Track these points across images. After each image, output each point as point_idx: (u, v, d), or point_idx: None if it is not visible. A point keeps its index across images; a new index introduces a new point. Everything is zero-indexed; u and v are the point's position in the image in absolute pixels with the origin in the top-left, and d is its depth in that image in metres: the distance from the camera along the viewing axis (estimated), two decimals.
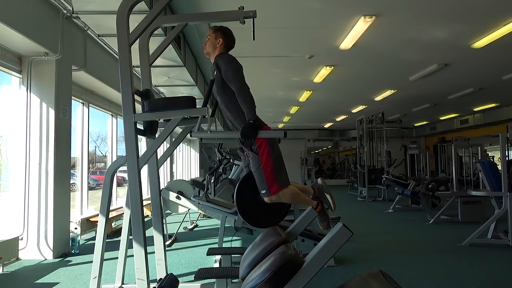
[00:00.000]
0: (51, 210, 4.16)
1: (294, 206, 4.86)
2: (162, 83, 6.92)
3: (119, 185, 8.31)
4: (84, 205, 5.77)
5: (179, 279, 2.52)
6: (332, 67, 7.04)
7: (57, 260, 4.12)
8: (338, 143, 19.35)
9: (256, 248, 1.84)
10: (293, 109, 11.98)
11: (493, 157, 12.06)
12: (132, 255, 2.21)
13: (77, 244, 4.46)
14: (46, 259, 4.11)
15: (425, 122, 16.16)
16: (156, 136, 2.53)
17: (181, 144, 12.60)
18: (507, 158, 4.62)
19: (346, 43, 5.64)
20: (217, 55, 2.57)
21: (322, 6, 4.55)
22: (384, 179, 9.13)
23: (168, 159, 10.49)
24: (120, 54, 2.21)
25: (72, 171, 5.04)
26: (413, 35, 5.48)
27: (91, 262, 2.46)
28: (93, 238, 4.09)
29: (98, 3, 3.65)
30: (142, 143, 6.10)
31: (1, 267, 3.66)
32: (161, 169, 3.11)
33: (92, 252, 2.46)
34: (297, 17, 4.85)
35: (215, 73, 2.54)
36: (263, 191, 2.42)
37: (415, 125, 17.05)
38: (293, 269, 1.42)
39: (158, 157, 2.80)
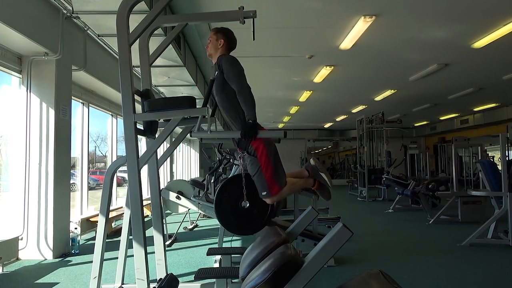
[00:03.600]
0: (51, 210, 4.16)
1: (294, 206, 4.87)
2: (162, 83, 6.92)
3: (119, 185, 8.31)
4: (84, 205, 5.77)
5: (179, 279, 2.52)
6: (332, 67, 7.04)
7: (57, 260, 4.12)
8: (338, 143, 19.35)
9: (256, 248, 1.84)
10: (293, 109, 11.98)
11: (493, 157, 12.06)
12: (132, 255, 2.21)
13: (77, 244, 4.46)
14: (46, 259, 4.11)
15: (425, 122, 16.16)
16: (156, 136, 2.53)
17: (181, 144, 12.60)
18: (507, 158, 4.62)
19: (346, 43, 5.64)
20: (219, 56, 2.57)
21: (322, 6, 4.55)
22: (384, 179, 9.13)
23: (168, 159, 10.49)
24: (120, 54, 2.21)
25: (72, 171, 5.04)
26: (413, 35, 5.48)
27: (91, 262, 2.46)
28: (93, 238, 4.09)
29: (98, 3, 3.65)
30: (142, 143, 6.10)
31: (1, 267, 3.66)
32: (161, 169, 3.11)
33: (92, 252, 2.46)
34: (297, 17, 4.84)
35: (216, 73, 2.54)
36: (264, 193, 2.41)
37: (415, 125, 17.05)
38: (293, 269, 1.42)
39: (158, 157, 2.80)
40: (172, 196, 4.82)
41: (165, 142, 5.25)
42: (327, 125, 16.47)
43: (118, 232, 4.68)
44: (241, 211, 2.51)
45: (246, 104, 2.35)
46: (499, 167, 4.89)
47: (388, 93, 9.44)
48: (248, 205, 2.50)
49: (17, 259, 4.03)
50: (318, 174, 2.70)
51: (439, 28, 5.23)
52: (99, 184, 9.02)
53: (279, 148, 2.58)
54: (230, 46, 2.68)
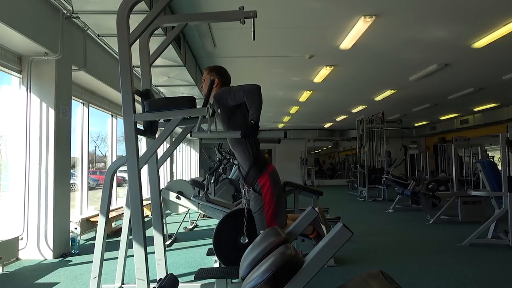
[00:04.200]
0: (51, 210, 4.16)
1: (294, 206, 4.88)
2: (162, 83, 6.92)
3: (119, 185, 8.31)
4: (84, 205, 5.77)
5: (179, 279, 2.53)
6: (332, 67, 7.04)
7: (57, 260, 4.12)
8: (338, 143, 19.35)
9: (256, 248, 1.84)
10: (293, 109, 11.98)
11: (493, 157, 12.07)
12: (132, 255, 2.21)
13: (77, 244, 4.46)
14: (46, 259, 4.11)
15: (425, 122, 16.15)
16: (156, 136, 2.53)
17: (181, 144, 12.60)
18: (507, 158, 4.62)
19: (346, 43, 5.63)
20: (214, 94, 2.59)
21: (322, 6, 4.54)
22: (384, 179, 9.13)
23: (168, 159, 10.49)
24: (120, 54, 2.21)
25: (72, 171, 5.04)
26: (413, 35, 5.48)
27: (91, 262, 2.46)
28: (93, 238, 4.09)
29: (98, 3, 3.65)
30: (142, 143, 6.10)
31: (1, 267, 3.66)
32: (161, 169, 3.11)
33: (92, 252, 2.46)
34: (297, 17, 4.84)
35: (218, 110, 2.55)
36: (262, 232, 2.43)
37: (415, 125, 17.04)
38: (293, 269, 1.42)
39: (158, 157, 2.80)
40: (172, 196, 4.81)
41: (165, 142, 5.25)
42: (327, 125, 16.47)
43: (118, 232, 4.68)
44: (239, 247, 2.49)
45: (254, 103, 2.35)
46: (499, 167, 4.89)
47: (388, 93, 9.44)
48: (247, 241, 2.49)
49: (17, 259, 4.03)
50: (319, 225, 2.73)
51: (439, 28, 5.23)
52: (99, 184, 9.02)
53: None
54: (224, 83, 2.70)
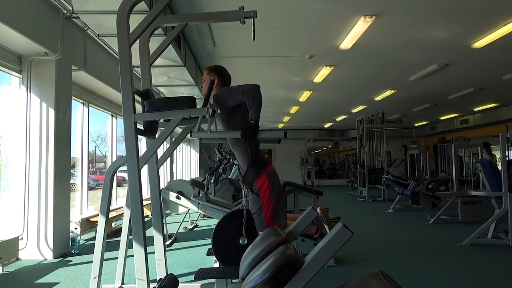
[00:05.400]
0: (51, 210, 4.16)
1: (294, 206, 4.88)
2: (162, 83, 6.92)
3: (119, 185, 8.31)
4: (84, 205, 5.77)
5: (179, 279, 2.53)
6: (332, 67, 7.04)
7: (57, 260, 4.12)
8: (338, 143, 19.34)
9: (256, 248, 1.84)
10: (293, 109, 11.98)
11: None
12: (132, 255, 2.21)
13: (77, 244, 4.46)
14: (46, 259, 4.11)
15: (425, 122, 16.15)
16: (156, 136, 2.53)
17: (181, 144, 12.60)
18: (507, 158, 4.62)
19: (346, 43, 5.64)
20: (214, 95, 2.59)
21: (322, 6, 4.54)
22: (384, 179, 9.13)
23: (168, 159, 10.49)
24: (120, 54, 2.21)
25: (72, 171, 5.04)
26: (413, 35, 5.48)
27: (91, 262, 2.46)
28: (93, 238, 4.09)
29: (98, 3, 3.65)
30: (142, 143, 6.10)
31: (1, 267, 3.66)
32: (161, 169, 3.11)
33: (92, 252, 2.46)
34: (297, 17, 4.84)
35: (218, 111, 2.55)
36: (261, 233, 2.43)
37: (415, 125, 17.04)
38: (293, 269, 1.42)
39: (158, 157, 2.80)
40: (172, 196, 4.82)
41: (165, 142, 5.25)
42: (327, 125, 16.47)
43: (118, 232, 4.69)
44: (239, 248, 2.49)
45: (254, 103, 2.35)
46: (499, 167, 4.89)
47: (388, 93, 9.44)
48: (246, 242, 2.49)
49: (17, 259, 4.03)
50: (322, 225, 2.72)
51: (439, 28, 5.23)
52: (99, 184, 9.02)
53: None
54: (224, 83, 2.69)
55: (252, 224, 2.53)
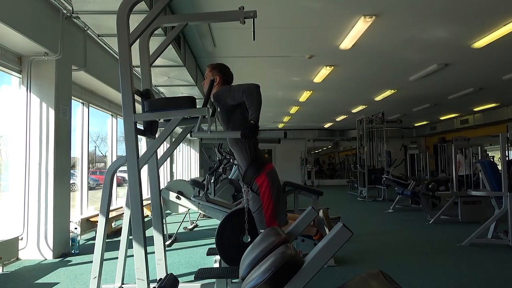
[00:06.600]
0: (51, 210, 4.16)
1: (294, 206, 4.88)
2: (162, 83, 6.92)
3: (119, 185, 8.31)
4: (84, 205, 5.77)
5: (179, 279, 2.53)
6: (332, 67, 7.04)
7: (57, 260, 4.12)
8: (338, 143, 19.34)
9: (256, 248, 1.84)
10: (293, 109, 11.98)
11: (493, 157, 12.07)
12: (132, 255, 2.21)
13: (77, 244, 4.46)
14: (46, 259, 4.11)
15: (425, 122, 16.15)
16: (156, 136, 2.53)
17: (181, 144, 12.60)
18: (507, 158, 4.62)
19: (346, 43, 5.63)
20: (214, 93, 2.59)
21: (322, 6, 4.54)
22: (384, 179, 9.13)
23: (168, 159, 10.49)
24: (120, 54, 2.21)
25: (72, 171, 5.04)
26: (413, 35, 5.48)
27: (91, 262, 2.46)
28: (93, 238, 4.08)
29: (98, 3, 3.65)
30: (142, 143, 6.10)
31: (1, 267, 3.66)
32: (161, 169, 3.11)
33: (92, 252, 2.46)
34: (297, 17, 4.84)
35: (218, 109, 2.55)
36: (262, 231, 2.43)
37: (415, 125, 17.04)
38: (293, 269, 1.42)
39: (158, 157, 2.80)
40: (172, 196, 4.81)
41: (165, 142, 5.25)
42: (327, 125, 16.47)
43: (118, 232, 4.69)
44: (242, 246, 2.49)
45: (253, 103, 2.36)
46: (499, 167, 4.88)
47: (388, 93, 9.44)
48: (249, 240, 2.50)
49: (17, 259, 4.03)
50: (322, 227, 2.73)
51: (439, 28, 5.23)
52: (99, 184, 9.02)
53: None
54: (225, 81, 2.70)
55: (254, 222, 2.54)
